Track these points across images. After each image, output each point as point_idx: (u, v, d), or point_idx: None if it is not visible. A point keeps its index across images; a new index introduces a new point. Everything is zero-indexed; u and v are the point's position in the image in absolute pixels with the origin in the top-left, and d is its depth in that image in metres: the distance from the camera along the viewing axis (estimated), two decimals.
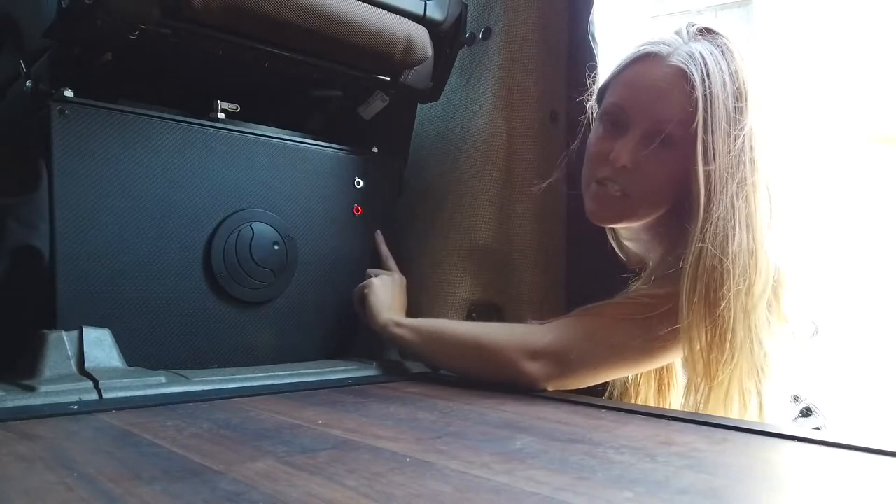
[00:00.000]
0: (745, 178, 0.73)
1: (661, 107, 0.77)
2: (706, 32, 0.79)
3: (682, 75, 0.75)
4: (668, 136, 0.76)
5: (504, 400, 0.72)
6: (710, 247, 0.72)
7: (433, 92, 0.99)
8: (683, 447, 0.52)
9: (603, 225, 0.87)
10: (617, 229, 0.91)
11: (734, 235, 0.72)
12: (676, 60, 0.76)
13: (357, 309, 0.94)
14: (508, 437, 0.55)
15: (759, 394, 0.74)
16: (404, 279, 0.97)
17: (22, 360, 0.70)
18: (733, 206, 0.72)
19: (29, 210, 0.72)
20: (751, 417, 0.74)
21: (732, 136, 0.74)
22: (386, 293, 0.92)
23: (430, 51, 0.92)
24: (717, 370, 0.72)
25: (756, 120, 0.75)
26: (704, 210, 0.73)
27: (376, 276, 0.95)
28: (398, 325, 0.88)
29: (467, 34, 1.00)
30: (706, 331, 0.72)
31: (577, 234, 1.01)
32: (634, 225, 0.85)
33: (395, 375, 0.89)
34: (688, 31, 0.79)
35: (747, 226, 0.73)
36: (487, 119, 0.99)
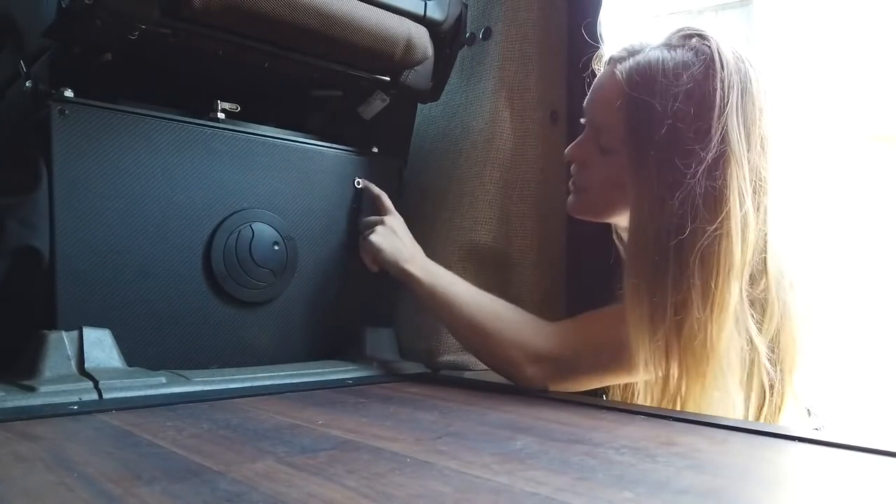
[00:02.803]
0: (699, 201, 0.68)
1: (597, 115, 0.80)
2: (692, 38, 0.75)
3: (618, 85, 0.75)
4: (605, 142, 0.78)
5: (504, 400, 0.72)
6: (639, 279, 0.71)
7: (433, 92, 0.99)
8: (684, 447, 0.52)
9: (573, 216, 0.88)
10: (618, 230, 0.91)
11: (670, 261, 0.69)
12: (619, 70, 0.75)
13: (371, 268, 0.93)
14: (509, 438, 0.55)
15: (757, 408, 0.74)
16: (400, 218, 0.94)
17: (22, 360, 0.70)
18: (671, 226, 0.69)
19: (29, 210, 0.72)
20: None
21: (679, 156, 0.69)
22: (391, 242, 0.90)
23: (430, 51, 0.92)
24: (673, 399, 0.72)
25: (735, 140, 0.70)
26: (633, 226, 0.74)
27: (374, 225, 0.92)
28: (416, 281, 0.86)
29: (467, 34, 1.00)
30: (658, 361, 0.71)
31: (577, 234, 1.01)
32: (615, 222, 0.86)
33: (395, 375, 0.89)
34: (670, 36, 0.77)
35: (700, 255, 0.68)
36: (487, 119, 0.99)
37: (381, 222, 0.92)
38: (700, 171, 0.69)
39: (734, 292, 0.70)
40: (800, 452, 0.53)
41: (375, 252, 0.90)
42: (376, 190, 0.96)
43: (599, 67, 0.89)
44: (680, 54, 0.73)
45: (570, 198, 0.86)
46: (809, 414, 0.82)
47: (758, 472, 0.48)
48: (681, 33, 0.77)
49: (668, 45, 0.76)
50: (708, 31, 0.75)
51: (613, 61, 0.79)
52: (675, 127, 0.70)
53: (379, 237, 0.90)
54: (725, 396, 0.72)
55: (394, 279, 0.90)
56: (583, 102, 0.87)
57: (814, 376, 0.79)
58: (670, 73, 0.72)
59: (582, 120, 0.84)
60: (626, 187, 0.75)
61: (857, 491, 0.45)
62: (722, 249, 0.69)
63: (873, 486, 0.45)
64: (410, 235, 0.93)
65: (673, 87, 0.71)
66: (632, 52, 0.77)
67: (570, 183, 0.85)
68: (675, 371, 0.70)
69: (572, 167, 0.85)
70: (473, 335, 0.83)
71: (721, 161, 0.69)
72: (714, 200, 0.69)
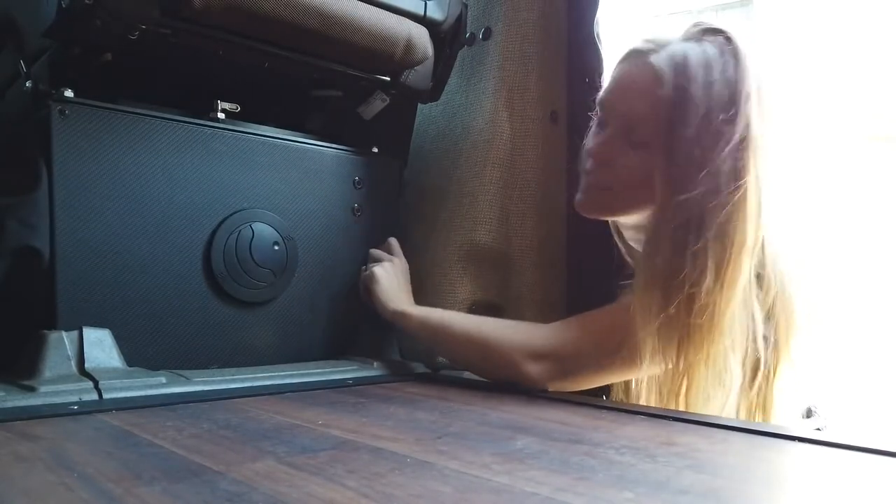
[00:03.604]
0: (722, 185, 0.71)
1: (629, 106, 0.78)
2: (710, 33, 0.77)
3: (657, 77, 0.75)
4: (638, 135, 0.77)
5: (504, 400, 0.72)
6: (658, 259, 0.72)
7: (433, 92, 0.99)
8: (684, 447, 0.52)
9: (585, 215, 0.87)
10: (621, 230, 0.91)
11: (690, 243, 0.71)
12: (654, 60, 0.76)
13: (364, 298, 0.94)
14: (509, 438, 0.55)
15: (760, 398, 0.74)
16: (406, 262, 0.97)
17: (22, 360, 0.70)
18: (694, 212, 0.71)
19: (29, 210, 0.72)
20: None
21: (710, 144, 0.72)
22: (391, 281, 0.92)
23: (430, 51, 0.92)
24: (673, 388, 0.72)
25: (755, 125, 0.73)
26: (660, 213, 0.74)
27: (378, 259, 0.95)
28: (406, 316, 0.88)
29: (467, 34, 1.00)
30: (662, 346, 0.72)
31: (577, 234, 1.01)
32: (621, 220, 0.86)
33: (396, 375, 0.89)
34: (692, 31, 0.79)
35: (719, 234, 0.71)
36: (488, 119, 0.99)
37: (391, 261, 0.95)
38: (726, 155, 0.71)
39: (745, 269, 0.72)
40: (800, 452, 0.53)
41: (372, 282, 0.92)
42: (391, 239, 0.99)
43: (600, 58, 0.89)
44: (708, 47, 0.75)
45: (583, 196, 0.84)
46: (811, 414, 0.82)
47: (758, 472, 0.48)
48: (699, 28, 0.78)
49: (693, 39, 0.77)
50: (724, 26, 0.78)
51: (639, 54, 0.78)
52: (710, 115, 0.72)
53: (382, 271, 0.93)
54: (726, 375, 0.72)
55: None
56: (583, 101, 0.87)
57: (813, 373, 0.80)
58: (704, 64, 0.74)
59: (594, 116, 0.84)
60: (653, 182, 0.75)
61: (857, 491, 0.45)
62: (738, 227, 0.71)
63: (873, 487, 0.45)
64: (407, 281, 0.95)
65: (708, 76, 0.73)
66: (659, 45, 0.78)
67: (585, 181, 0.83)
68: (682, 353, 0.71)
69: (588, 164, 0.82)
70: (470, 346, 0.83)
71: (743, 145, 0.72)
72: (735, 181, 0.72)
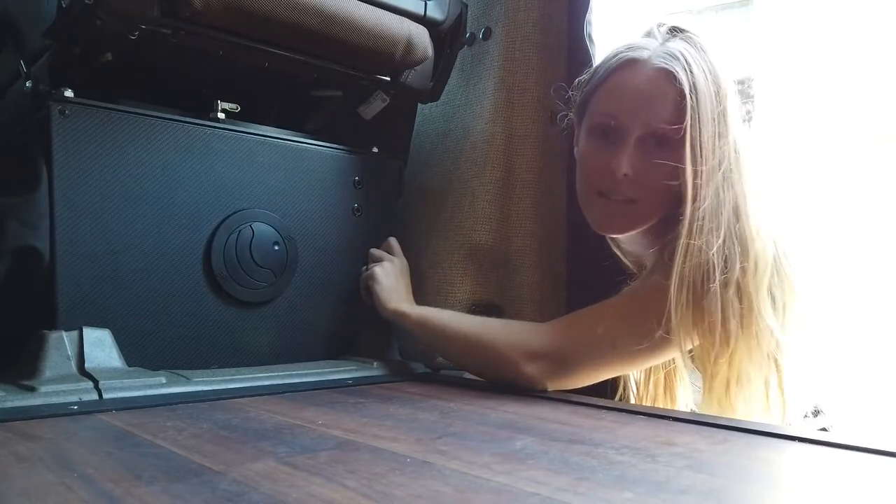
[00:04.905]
0: (731, 167, 0.75)
1: (652, 110, 0.77)
2: (676, 31, 0.80)
3: (668, 76, 0.76)
4: (663, 137, 0.77)
5: (504, 400, 0.72)
6: (695, 241, 0.72)
7: (433, 92, 0.99)
8: (684, 448, 0.52)
9: (612, 235, 0.87)
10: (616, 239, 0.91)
11: (721, 226, 0.73)
12: (659, 62, 0.77)
13: (364, 297, 0.95)
14: (509, 438, 0.55)
15: (778, 385, 0.75)
16: (405, 262, 0.98)
17: (22, 360, 0.70)
18: (720, 198, 0.74)
19: (29, 210, 0.72)
20: (763, 410, 0.74)
21: (718, 130, 0.75)
22: (390, 280, 0.93)
23: (430, 51, 0.92)
24: (714, 362, 0.72)
25: (734, 111, 0.77)
26: (692, 205, 0.74)
27: (378, 259, 0.96)
28: (405, 315, 0.89)
29: (467, 34, 1.00)
30: (700, 325, 0.72)
31: (577, 234, 1.01)
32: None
33: (396, 375, 0.89)
34: (659, 32, 0.81)
35: (736, 215, 0.74)
36: (487, 119, 0.99)
37: (390, 260, 0.96)
38: (733, 139, 0.76)
39: (769, 251, 0.75)
40: (800, 452, 0.53)
41: (372, 282, 0.93)
42: (391, 238, 1.00)
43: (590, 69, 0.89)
44: (680, 44, 0.78)
45: (610, 215, 0.82)
46: (818, 413, 0.82)
47: (758, 472, 0.48)
48: (664, 27, 0.81)
49: (661, 39, 0.80)
50: (684, 24, 0.81)
51: (636, 61, 0.79)
52: (716, 102, 0.76)
53: (382, 270, 0.94)
54: (761, 357, 0.73)
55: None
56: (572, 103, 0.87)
57: (819, 372, 0.80)
58: (694, 58, 0.77)
59: (590, 127, 0.83)
60: (679, 181, 0.76)
61: (856, 491, 0.45)
62: (754, 209, 0.75)
63: (873, 487, 0.45)
64: (407, 280, 0.96)
65: (702, 68, 0.77)
66: (646, 49, 0.79)
67: (608, 200, 0.81)
68: (725, 330, 0.72)
69: (618, 181, 0.79)
70: (467, 346, 0.83)
71: (739, 129, 0.77)
72: (742, 165, 0.76)
